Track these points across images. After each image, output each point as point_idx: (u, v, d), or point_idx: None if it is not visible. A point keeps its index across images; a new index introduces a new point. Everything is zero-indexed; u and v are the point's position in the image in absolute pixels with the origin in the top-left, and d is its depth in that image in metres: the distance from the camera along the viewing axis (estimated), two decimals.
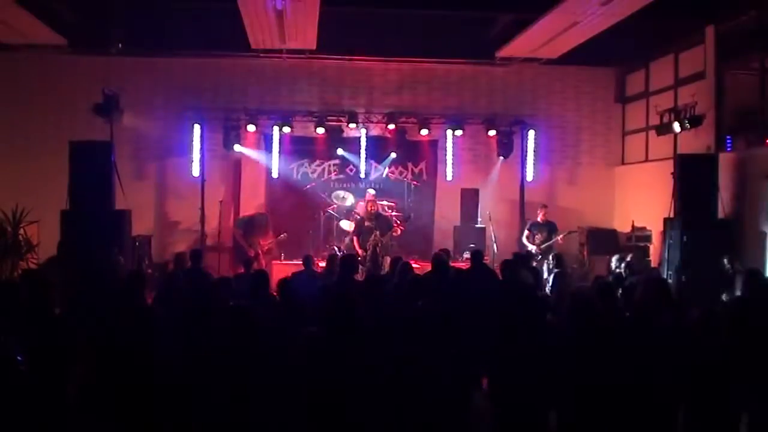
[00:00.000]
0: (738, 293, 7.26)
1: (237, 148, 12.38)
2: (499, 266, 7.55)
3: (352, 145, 12.62)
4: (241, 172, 12.84)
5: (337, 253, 10.06)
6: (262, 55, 11.87)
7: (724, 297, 7.57)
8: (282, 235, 11.29)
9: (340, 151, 12.59)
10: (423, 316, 4.72)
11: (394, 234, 10.50)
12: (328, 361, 4.03)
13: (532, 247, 10.77)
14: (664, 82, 12.02)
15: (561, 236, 10.92)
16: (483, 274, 7.64)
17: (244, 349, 4.13)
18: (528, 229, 11.17)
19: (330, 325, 4.23)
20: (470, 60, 12.76)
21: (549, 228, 10.93)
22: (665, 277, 9.10)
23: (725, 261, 8.46)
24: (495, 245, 11.59)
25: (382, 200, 11.96)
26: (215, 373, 4.07)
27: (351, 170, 12.86)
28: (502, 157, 12.84)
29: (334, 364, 4.02)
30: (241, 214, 12.39)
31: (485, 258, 9.02)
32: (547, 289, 8.68)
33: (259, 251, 11.04)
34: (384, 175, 12.86)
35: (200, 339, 4.38)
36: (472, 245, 10.77)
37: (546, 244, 10.75)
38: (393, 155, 12.67)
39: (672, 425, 4.37)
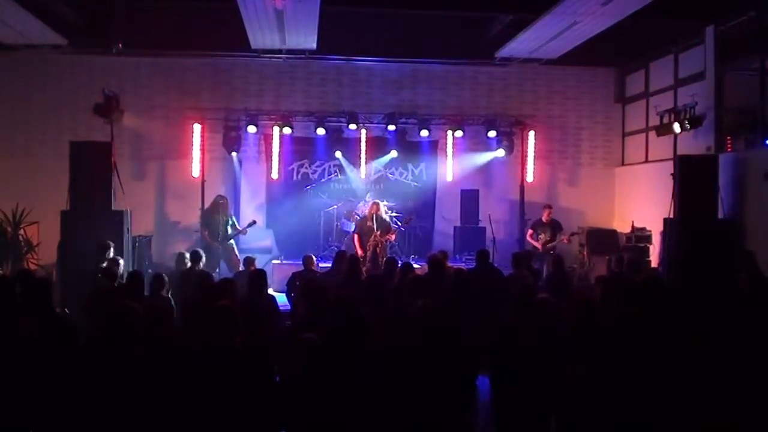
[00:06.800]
0: None
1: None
2: (511, 259, 7.99)
3: (352, 145, 12.60)
4: (242, 172, 12.84)
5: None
6: (262, 55, 11.87)
7: None
8: None
9: (338, 154, 12.56)
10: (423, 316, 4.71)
11: (389, 238, 10.46)
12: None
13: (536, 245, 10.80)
14: (664, 83, 12.00)
15: (566, 237, 10.91)
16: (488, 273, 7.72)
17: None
18: (532, 228, 11.16)
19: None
20: (470, 60, 12.75)
21: (553, 227, 10.93)
22: (665, 277, 9.09)
23: None
24: (495, 245, 11.56)
25: (383, 201, 11.93)
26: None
27: (351, 170, 12.81)
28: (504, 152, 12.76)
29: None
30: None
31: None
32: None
33: None
34: (384, 175, 12.84)
35: None
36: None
37: (551, 244, 10.76)
38: (394, 153, 12.61)
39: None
